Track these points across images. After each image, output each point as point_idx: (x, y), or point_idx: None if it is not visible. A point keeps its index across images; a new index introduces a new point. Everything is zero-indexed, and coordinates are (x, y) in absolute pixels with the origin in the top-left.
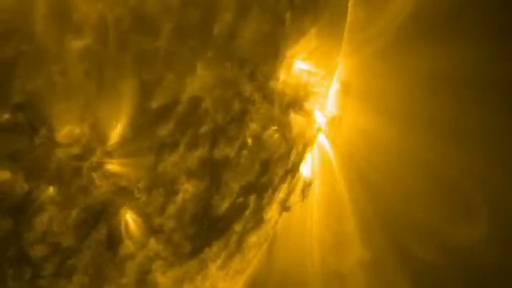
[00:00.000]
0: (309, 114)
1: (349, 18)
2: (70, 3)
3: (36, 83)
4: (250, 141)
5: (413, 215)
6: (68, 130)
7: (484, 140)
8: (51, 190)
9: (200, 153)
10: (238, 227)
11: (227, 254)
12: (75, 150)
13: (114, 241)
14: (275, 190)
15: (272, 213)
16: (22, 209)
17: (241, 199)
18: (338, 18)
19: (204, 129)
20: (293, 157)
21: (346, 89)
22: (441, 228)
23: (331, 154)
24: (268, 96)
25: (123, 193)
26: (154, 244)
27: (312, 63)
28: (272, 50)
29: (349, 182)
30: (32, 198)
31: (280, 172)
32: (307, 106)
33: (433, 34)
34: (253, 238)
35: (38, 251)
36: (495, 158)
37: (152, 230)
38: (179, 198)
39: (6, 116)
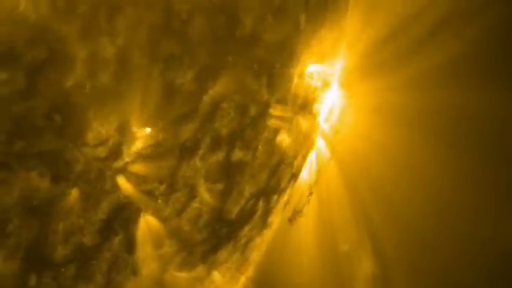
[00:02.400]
0: (314, 118)
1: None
2: (102, 5)
3: (65, 85)
4: (263, 145)
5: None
6: (95, 133)
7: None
8: (76, 191)
9: (218, 157)
10: (246, 231)
11: (235, 257)
12: (101, 153)
13: (132, 243)
14: (281, 193)
15: (275, 216)
16: (46, 210)
17: (251, 203)
18: (341, 21)
19: (223, 133)
20: (298, 161)
21: (349, 94)
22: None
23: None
24: (282, 100)
25: (145, 196)
26: (169, 247)
27: (320, 66)
28: (288, 53)
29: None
30: (57, 200)
31: (287, 176)
32: (314, 109)
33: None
34: (257, 241)
35: (60, 253)
36: None
37: (169, 233)
38: (196, 201)
39: (35, 117)
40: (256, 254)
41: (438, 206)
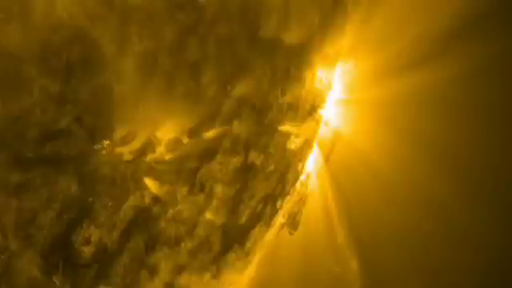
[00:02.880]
0: (318, 122)
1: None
2: (129, 9)
3: (96, 88)
4: (275, 149)
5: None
6: (122, 135)
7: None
8: (102, 192)
9: (236, 161)
10: (254, 234)
11: (241, 259)
12: (128, 155)
13: (152, 244)
14: (285, 197)
15: (278, 219)
16: (73, 212)
17: (260, 207)
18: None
19: (241, 137)
20: (301, 165)
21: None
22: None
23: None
24: (294, 105)
25: (167, 197)
26: (186, 249)
27: (326, 71)
28: (302, 57)
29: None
30: (83, 201)
31: (291, 180)
32: (318, 115)
33: None
34: (260, 243)
35: (83, 253)
36: None
37: (187, 234)
38: (213, 204)
39: (65, 121)
40: (258, 255)
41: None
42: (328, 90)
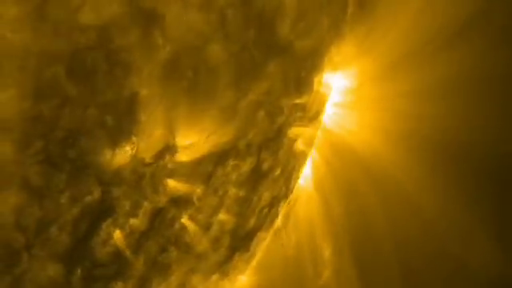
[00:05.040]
0: (318, 125)
1: None
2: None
3: (119, 91)
4: (284, 153)
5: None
6: (143, 139)
7: None
8: (122, 195)
9: (249, 164)
10: (258, 237)
11: (245, 261)
12: (148, 158)
13: (167, 247)
14: (287, 199)
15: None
16: (94, 213)
17: (266, 210)
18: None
19: (255, 140)
20: (302, 168)
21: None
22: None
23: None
24: (303, 108)
25: (183, 199)
26: (198, 250)
27: (332, 75)
28: (313, 60)
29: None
30: (103, 203)
31: (294, 182)
32: (320, 119)
33: None
34: (262, 245)
35: (101, 254)
36: None
37: (201, 237)
38: (225, 206)
39: (89, 124)
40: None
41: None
42: (330, 94)
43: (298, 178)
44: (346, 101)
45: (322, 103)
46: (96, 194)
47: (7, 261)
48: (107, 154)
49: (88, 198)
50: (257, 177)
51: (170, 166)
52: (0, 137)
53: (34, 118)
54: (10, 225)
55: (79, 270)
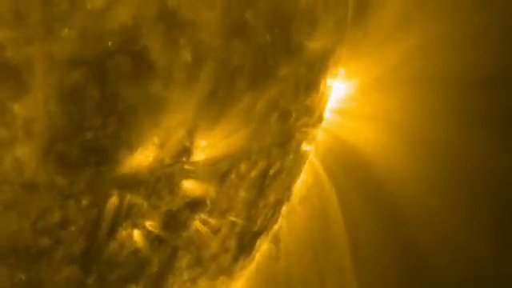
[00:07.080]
0: (320, 127)
1: None
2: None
3: (141, 96)
4: (291, 156)
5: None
6: (163, 141)
7: None
8: (140, 197)
9: (260, 165)
10: (261, 240)
11: (247, 264)
12: (167, 160)
13: (178, 250)
14: (287, 202)
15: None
16: (110, 215)
17: (270, 213)
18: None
19: (267, 143)
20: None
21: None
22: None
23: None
24: (310, 110)
25: (197, 201)
26: (208, 253)
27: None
28: (323, 64)
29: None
30: (121, 206)
31: (293, 185)
32: (323, 119)
33: None
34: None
35: (115, 257)
36: None
37: (211, 240)
38: (235, 209)
39: (112, 127)
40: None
41: None
42: (331, 96)
43: (296, 180)
44: (344, 105)
45: (325, 105)
46: (114, 196)
47: (25, 262)
48: (128, 158)
49: (107, 201)
50: (265, 180)
51: (188, 168)
52: (24, 139)
53: (58, 122)
54: (30, 228)
55: (95, 272)
